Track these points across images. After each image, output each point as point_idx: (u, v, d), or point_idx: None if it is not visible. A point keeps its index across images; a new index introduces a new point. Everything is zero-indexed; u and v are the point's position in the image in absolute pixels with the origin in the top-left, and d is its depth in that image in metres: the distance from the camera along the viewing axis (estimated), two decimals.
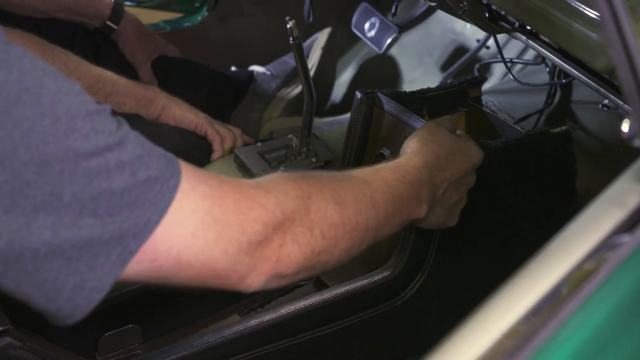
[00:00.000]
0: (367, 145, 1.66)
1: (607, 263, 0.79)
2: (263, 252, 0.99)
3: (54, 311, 0.87)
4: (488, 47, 2.22)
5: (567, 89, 1.91)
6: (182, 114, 1.81)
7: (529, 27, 1.57)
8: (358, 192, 1.13)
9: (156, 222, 0.88)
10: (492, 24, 1.64)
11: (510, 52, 2.13)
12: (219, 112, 2.01)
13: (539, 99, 1.92)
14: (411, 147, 1.34)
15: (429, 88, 1.72)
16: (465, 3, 1.60)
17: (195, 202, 0.92)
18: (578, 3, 1.26)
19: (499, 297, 0.82)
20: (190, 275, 0.94)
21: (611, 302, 0.78)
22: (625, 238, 0.82)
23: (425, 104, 1.70)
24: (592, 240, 0.82)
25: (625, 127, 0.83)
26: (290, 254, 1.02)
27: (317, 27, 2.26)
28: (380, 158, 1.63)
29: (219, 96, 2.15)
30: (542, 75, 1.95)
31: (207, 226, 0.93)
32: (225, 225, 0.95)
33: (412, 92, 1.70)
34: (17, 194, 0.81)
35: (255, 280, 1.00)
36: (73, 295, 0.86)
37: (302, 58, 1.66)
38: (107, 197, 0.84)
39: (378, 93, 1.63)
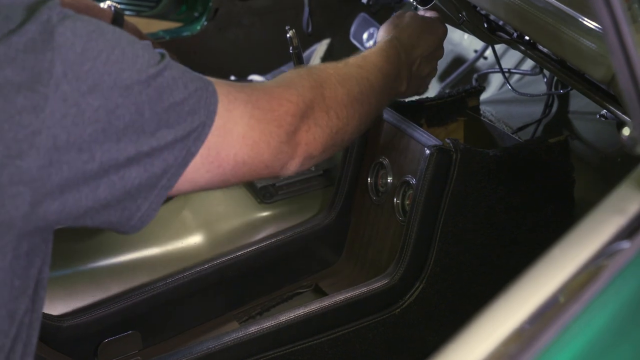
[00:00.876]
0: (366, 153, 1.67)
1: (608, 269, 0.79)
2: (296, 139, 1.16)
3: (133, 212, 1.00)
4: (486, 58, 2.23)
5: (564, 99, 1.92)
6: None
7: (527, 38, 1.58)
8: (357, 75, 1.32)
9: (209, 125, 1.03)
10: (490, 34, 1.65)
11: (508, 62, 2.14)
12: None
13: (537, 109, 1.93)
14: (387, 31, 1.54)
15: (427, 97, 1.74)
16: (464, 13, 1.61)
17: (239, 108, 1.07)
18: (576, 13, 1.27)
19: (497, 305, 0.83)
20: (244, 171, 1.11)
21: (612, 307, 0.79)
22: (626, 244, 0.82)
23: (424, 113, 1.71)
24: (592, 247, 0.82)
25: (625, 135, 0.84)
26: (316, 136, 1.20)
27: (316, 38, 2.27)
28: (379, 167, 1.64)
29: None
30: (539, 86, 1.96)
31: (252, 127, 1.09)
32: (265, 123, 1.11)
33: (411, 102, 1.71)
34: (111, 115, 0.94)
35: (293, 164, 1.18)
36: (149, 193, 1.00)
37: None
38: (174, 108, 0.99)
39: None
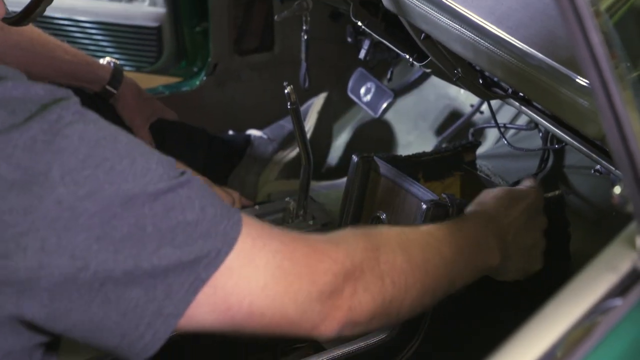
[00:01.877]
0: (364, 208, 1.68)
1: (600, 326, 0.80)
2: (335, 301, 1.06)
3: (135, 340, 0.93)
4: (482, 112, 2.26)
5: (559, 154, 1.94)
6: None
7: (521, 94, 1.61)
8: (423, 242, 1.21)
9: (226, 253, 0.95)
10: (485, 90, 1.67)
11: (503, 117, 2.17)
12: (216, 175, 2.03)
13: (532, 164, 1.95)
14: (469, 210, 1.43)
15: (424, 152, 1.75)
16: (459, 70, 1.64)
17: (266, 256, 1.00)
18: (568, 70, 1.29)
19: None
20: (263, 324, 1.02)
21: None
22: (618, 302, 0.83)
23: (421, 167, 1.73)
24: (586, 303, 0.83)
25: (616, 192, 0.86)
26: (362, 301, 1.08)
27: (314, 92, 2.30)
28: (376, 221, 1.65)
29: (215, 159, 2.17)
30: (535, 141, 1.98)
31: (277, 279, 1.00)
32: (295, 277, 1.02)
33: (408, 156, 1.72)
34: (107, 225, 0.89)
35: (329, 327, 1.07)
36: (153, 320, 0.93)
37: (299, 122, 1.69)
38: (183, 228, 0.93)
39: (374, 157, 1.66)
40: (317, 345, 1.68)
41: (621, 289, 0.85)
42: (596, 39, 0.74)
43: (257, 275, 0.98)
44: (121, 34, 2.43)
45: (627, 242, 0.88)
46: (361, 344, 1.55)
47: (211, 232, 0.94)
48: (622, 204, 0.85)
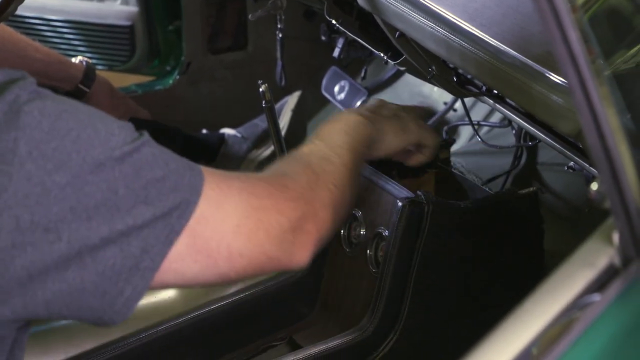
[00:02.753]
0: None
1: (579, 322, 0.81)
2: (304, 226, 1.12)
3: (115, 297, 0.95)
4: (455, 110, 2.26)
5: (533, 151, 1.95)
6: None
7: (495, 91, 1.61)
8: (325, 145, 1.30)
9: (195, 202, 0.98)
10: (459, 87, 1.68)
11: (477, 114, 2.17)
12: None
13: (506, 161, 1.96)
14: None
15: None
16: (433, 67, 1.64)
17: (233, 196, 1.04)
18: (542, 67, 1.30)
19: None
20: (244, 265, 1.05)
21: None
22: (596, 297, 0.84)
23: (395, 165, 1.73)
24: (564, 299, 0.84)
25: (593, 189, 0.86)
26: (325, 217, 1.17)
27: (287, 90, 2.30)
28: (352, 219, 1.66)
29: (189, 158, 2.14)
30: (508, 138, 1.99)
31: (247, 217, 1.04)
32: (263, 211, 1.07)
33: None
34: (79, 194, 0.91)
35: (304, 253, 1.13)
36: (130, 275, 0.95)
37: (274, 121, 1.69)
38: (153, 185, 0.95)
39: None
40: (293, 343, 1.68)
41: (599, 284, 0.85)
42: (574, 35, 0.74)
43: (229, 216, 1.02)
44: (93, 33, 2.42)
45: (604, 238, 0.89)
46: (338, 341, 1.55)
47: (179, 185, 0.97)
48: (599, 200, 0.86)
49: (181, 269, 0.99)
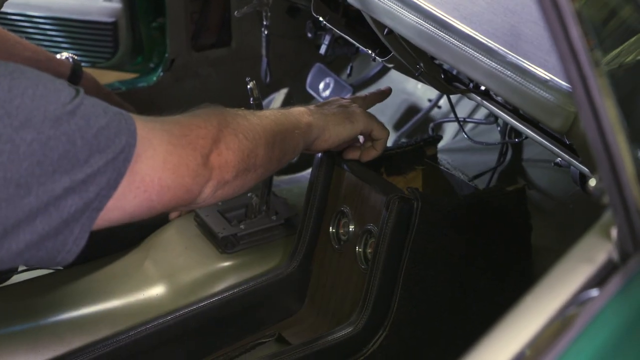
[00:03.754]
0: (328, 202, 1.68)
1: (579, 318, 0.81)
2: (210, 162, 1.22)
3: (66, 237, 1.04)
4: (440, 107, 2.27)
5: (518, 147, 1.96)
6: None
7: (482, 88, 1.62)
8: (250, 113, 1.40)
9: (134, 144, 1.08)
10: (447, 84, 1.69)
11: (461, 111, 2.19)
12: None
13: (491, 157, 1.97)
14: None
15: (387, 147, 1.76)
16: (421, 65, 1.65)
17: (157, 136, 1.14)
18: (532, 65, 1.31)
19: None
20: (169, 197, 1.17)
21: (585, 357, 0.80)
22: (595, 293, 0.85)
23: (383, 162, 1.73)
24: (563, 295, 0.84)
25: (592, 185, 0.87)
26: (228, 159, 1.26)
27: (273, 88, 2.30)
28: (341, 216, 1.66)
29: None
30: (493, 134, 2.00)
31: (171, 153, 1.15)
32: (182, 147, 1.18)
33: None
34: (45, 148, 0.98)
35: (208, 189, 1.24)
36: (80, 216, 1.04)
37: None
38: (102, 133, 1.04)
39: (338, 151, 1.67)
40: (282, 339, 1.68)
41: (598, 280, 0.86)
42: (575, 32, 0.75)
43: (157, 154, 1.13)
44: (76, 30, 2.41)
45: (602, 233, 0.89)
46: (327, 337, 1.55)
47: (120, 130, 1.06)
48: (598, 196, 0.87)
49: (123, 205, 1.10)
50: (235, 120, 1.32)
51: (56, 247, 1.04)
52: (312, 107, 1.53)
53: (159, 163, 1.14)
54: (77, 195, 1.03)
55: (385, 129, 1.63)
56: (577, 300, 0.84)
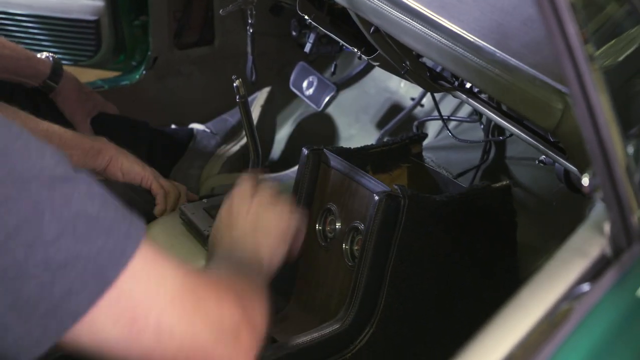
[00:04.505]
0: (314, 200, 1.69)
1: (574, 312, 0.82)
2: (243, 331, 0.98)
3: (22, 335, 0.83)
4: (422, 105, 2.28)
5: (502, 145, 1.98)
6: (130, 165, 1.82)
7: (468, 85, 1.63)
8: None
9: (131, 253, 0.86)
10: (432, 82, 1.70)
11: (444, 109, 2.20)
12: (159, 168, 2.01)
13: (475, 155, 1.99)
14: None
15: (372, 145, 1.77)
16: (407, 63, 1.66)
17: (172, 267, 0.92)
18: (520, 63, 1.32)
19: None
20: (174, 348, 0.90)
21: (581, 351, 0.81)
22: (588, 287, 0.86)
23: (369, 160, 1.74)
24: (559, 289, 0.85)
25: (585, 181, 0.88)
26: (260, 327, 1.05)
27: (257, 86, 2.30)
28: (327, 213, 1.67)
29: (158, 153, 2.16)
30: (477, 132, 2.01)
31: (185, 291, 0.92)
32: (203, 299, 0.94)
33: (357, 149, 1.74)
34: (1, 208, 0.81)
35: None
36: (46, 315, 0.83)
37: (248, 116, 1.69)
38: (85, 220, 0.84)
39: (324, 149, 1.67)
40: (269, 337, 1.68)
41: (592, 274, 0.87)
42: (572, 30, 0.76)
43: (165, 284, 0.90)
44: (58, 28, 2.40)
45: (595, 228, 0.90)
46: (314, 334, 1.56)
47: (114, 229, 0.86)
48: (591, 192, 0.88)
49: (96, 324, 0.85)
50: (244, 290, 1.08)
51: (8, 345, 0.83)
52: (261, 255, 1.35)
53: (164, 296, 0.90)
54: (36, 281, 0.82)
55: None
56: (571, 295, 0.85)
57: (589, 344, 0.82)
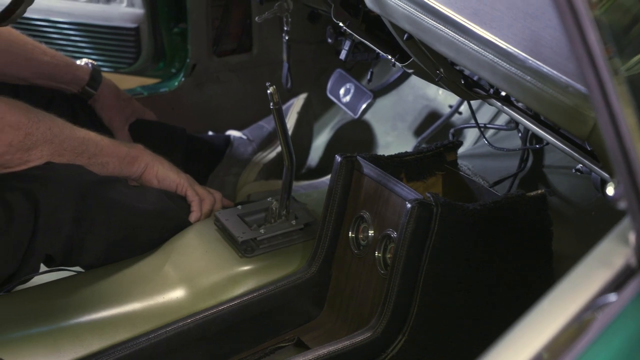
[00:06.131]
0: (347, 207, 1.69)
1: (596, 322, 0.81)
2: None
3: None
4: (460, 113, 2.27)
5: (539, 153, 1.95)
6: (165, 172, 1.83)
7: (503, 93, 1.62)
8: None
9: None
10: (467, 90, 1.68)
11: (482, 117, 2.18)
12: (196, 175, 2.03)
13: (512, 163, 1.97)
14: None
15: (407, 152, 1.76)
16: (441, 70, 1.65)
17: None
18: (552, 70, 1.30)
19: None
20: None
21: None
22: (613, 297, 0.84)
23: (403, 167, 1.74)
24: (581, 299, 0.84)
25: (610, 190, 0.87)
26: None
27: (293, 93, 2.30)
28: (360, 221, 1.66)
29: (195, 159, 2.17)
30: (514, 140, 1.99)
31: None
32: None
33: (390, 156, 1.73)
34: None
35: None
36: None
37: (282, 123, 1.69)
38: None
39: (357, 157, 1.67)
40: (301, 344, 1.68)
41: (615, 285, 0.85)
42: (592, 33, 0.74)
43: None
44: (99, 35, 2.43)
45: (619, 239, 0.89)
46: (346, 342, 1.56)
47: None
48: (615, 201, 0.86)
49: None
50: None
51: None
52: None
53: None
54: None
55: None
56: (594, 305, 0.84)
57: (610, 355, 0.81)
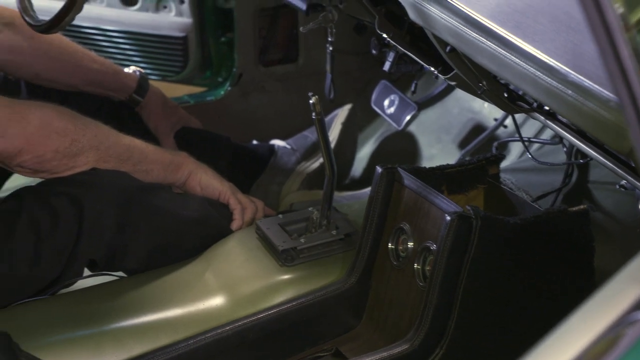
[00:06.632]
0: (387, 219, 1.69)
1: (625, 338, 0.81)
2: None
3: None
4: (505, 126, 2.26)
5: (584, 168, 1.94)
6: (208, 180, 1.85)
7: (546, 107, 1.61)
8: None
9: None
10: (510, 103, 1.68)
11: (527, 131, 2.17)
12: (239, 184, 2.05)
13: (556, 178, 1.95)
14: None
15: (448, 164, 1.76)
16: (484, 83, 1.65)
17: None
18: (594, 84, 1.30)
19: None
20: None
21: None
22: None
23: (444, 180, 1.73)
24: (611, 315, 0.83)
25: None
26: None
27: (337, 103, 2.31)
28: (400, 232, 1.66)
29: (239, 168, 2.19)
30: (559, 155, 1.98)
31: None
32: None
33: (432, 168, 1.73)
34: None
35: None
36: None
37: (324, 133, 1.70)
38: None
39: (398, 168, 1.67)
40: (339, 354, 1.69)
41: None
42: (625, 52, 0.74)
43: None
44: (148, 44, 2.46)
45: None
46: (384, 354, 1.55)
47: None
48: None
49: None
50: None
51: None
52: None
53: None
54: None
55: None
56: (625, 321, 0.83)
57: None
